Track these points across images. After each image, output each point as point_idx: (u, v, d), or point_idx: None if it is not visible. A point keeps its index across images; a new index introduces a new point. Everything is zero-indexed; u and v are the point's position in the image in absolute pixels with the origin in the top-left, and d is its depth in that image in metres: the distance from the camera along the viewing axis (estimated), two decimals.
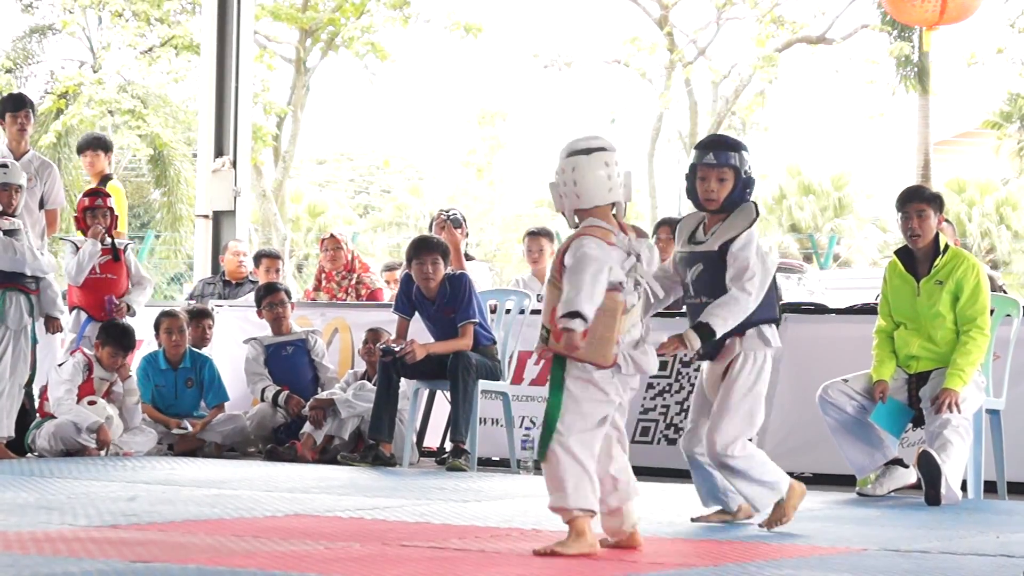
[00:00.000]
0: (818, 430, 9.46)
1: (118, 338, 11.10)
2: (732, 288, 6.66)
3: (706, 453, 6.88)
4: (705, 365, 6.98)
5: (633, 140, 54.51)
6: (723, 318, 6.63)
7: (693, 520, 7.20)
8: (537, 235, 12.65)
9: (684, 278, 6.86)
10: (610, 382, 5.96)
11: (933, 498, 8.27)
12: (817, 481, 9.83)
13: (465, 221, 12.52)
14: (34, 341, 11.01)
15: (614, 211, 6.01)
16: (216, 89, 16.08)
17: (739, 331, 6.72)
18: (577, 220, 5.99)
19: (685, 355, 6.92)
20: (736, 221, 6.77)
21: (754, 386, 6.79)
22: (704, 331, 6.63)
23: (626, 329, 5.95)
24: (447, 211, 12.50)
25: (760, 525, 6.86)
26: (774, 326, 6.86)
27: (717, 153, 6.81)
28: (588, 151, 5.97)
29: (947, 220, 11.10)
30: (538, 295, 11.41)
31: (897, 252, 9.09)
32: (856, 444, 8.78)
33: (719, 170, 6.78)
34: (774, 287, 6.84)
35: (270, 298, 11.88)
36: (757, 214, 6.83)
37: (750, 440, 6.84)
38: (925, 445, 8.60)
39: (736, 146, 6.87)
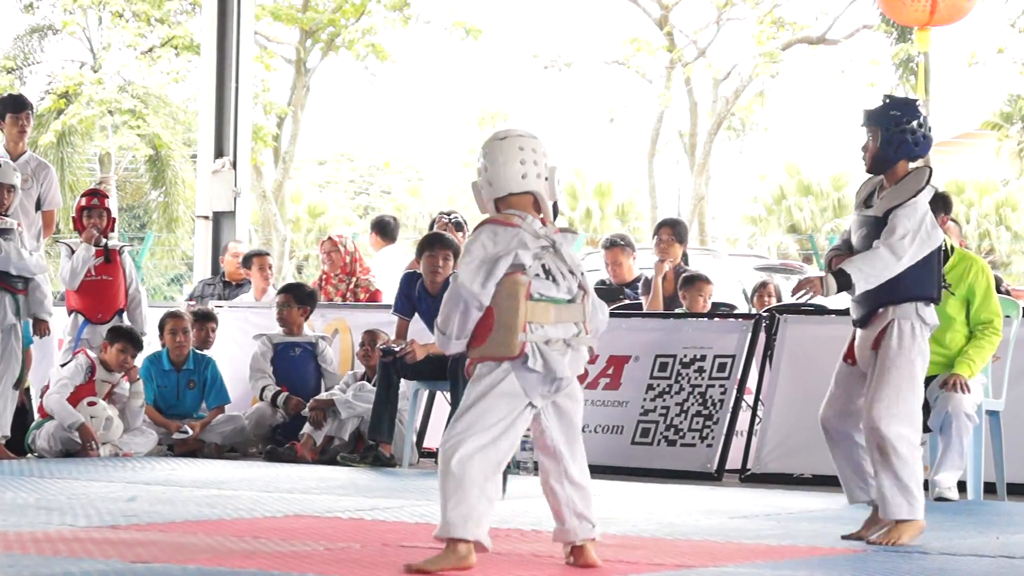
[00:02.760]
0: (818, 430, 9.43)
1: (127, 337, 11.10)
2: (880, 244, 6.50)
3: (863, 427, 6.58)
4: (857, 335, 6.77)
5: (633, 140, 54.57)
6: (862, 270, 6.47)
7: (844, 538, 6.70)
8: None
9: (853, 242, 6.73)
10: (519, 378, 5.43)
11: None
12: (817, 481, 9.83)
13: (467, 224, 12.56)
14: (28, 342, 11.01)
15: (540, 213, 5.54)
16: (216, 89, 16.10)
17: (894, 301, 6.57)
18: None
19: (815, 296, 6.57)
20: (905, 186, 6.62)
21: (909, 355, 6.53)
22: (842, 278, 6.48)
23: (541, 321, 5.43)
24: (448, 214, 12.53)
25: (869, 541, 6.54)
26: (931, 305, 6.65)
27: (867, 112, 6.75)
28: (503, 138, 5.60)
29: (953, 220, 11.10)
30: None
31: None
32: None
33: (868, 128, 6.72)
34: (937, 266, 6.64)
35: (282, 298, 11.90)
36: (928, 182, 6.64)
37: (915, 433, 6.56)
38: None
39: (891, 105, 6.74)
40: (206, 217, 16.14)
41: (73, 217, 11.84)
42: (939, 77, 32.89)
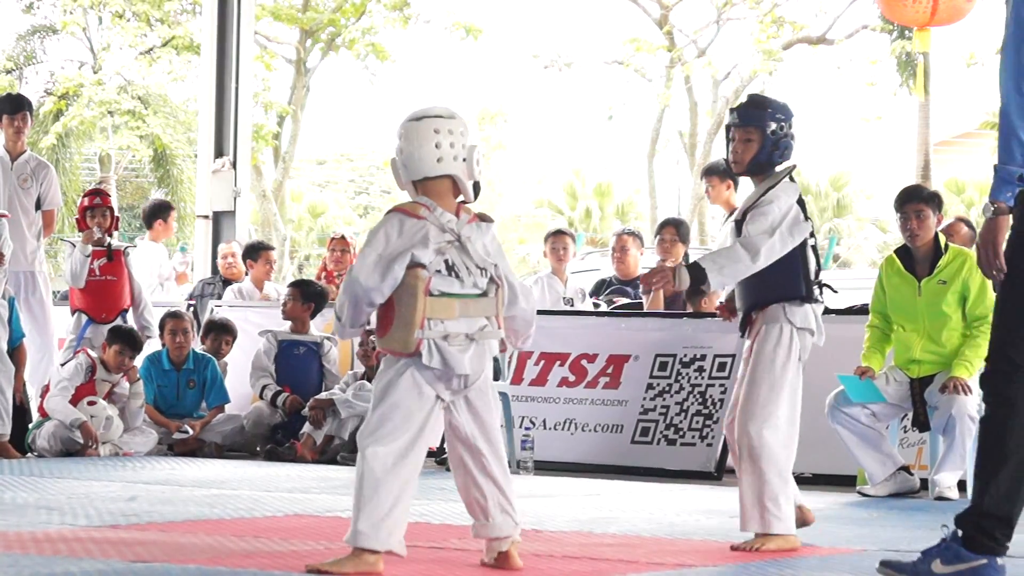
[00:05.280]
0: (818, 430, 9.46)
1: (125, 338, 11.09)
2: (735, 241, 6.21)
3: (736, 433, 6.31)
4: (744, 346, 6.52)
5: (633, 140, 54.55)
6: (716, 262, 6.14)
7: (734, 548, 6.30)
8: (563, 233, 12.95)
9: None
10: (422, 373, 5.33)
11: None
12: (817, 481, 9.83)
13: None
14: (20, 335, 11.00)
15: (460, 198, 5.42)
16: (216, 89, 16.09)
17: (759, 304, 6.31)
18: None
19: (674, 290, 6.24)
20: (764, 184, 6.35)
21: (777, 360, 6.24)
22: (696, 272, 6.13)
23: (442, 316, 5.31)
24: None
25: (732, 547, 6.27)
26: (804, 304, 6.29)
27: (743, 112, 6.41)
28: (419, 118, 5.38)
29: (966, 222, 11.07)
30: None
31: (896, 251, 9.10)
32: (871, 453, 8.84)
33: (743, 130, 6.37)
34: (803, 264, 6.30)
35: (290, 291, 11.90)
36: (789, 178, 6.34)
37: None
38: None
39: (766, 105, 6.42)
40: (206, 217, 16.14)
41: (76, 218, 11.83)
42: (939, 77, 32.86)
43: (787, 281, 6.27)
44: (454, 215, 5.40)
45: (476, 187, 5.49)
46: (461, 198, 5.45)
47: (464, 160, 5.39)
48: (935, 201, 8.98)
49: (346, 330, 5.38)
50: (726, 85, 34.42)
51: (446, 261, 5.35)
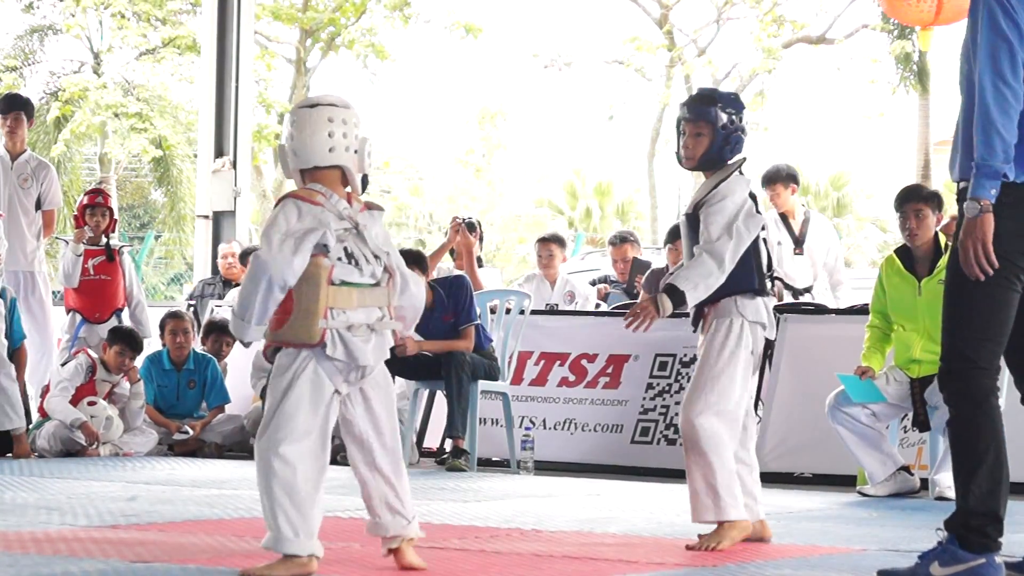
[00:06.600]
0: (818, 430, 9.47)
1: (126, 339, 11.09)
2: (700, 250, 6.14)
3: (681, 424, 6.26)
4: (698, 341, 6.43)
5: (633, 139, 54.54)
6: (691, 280, 6.09)
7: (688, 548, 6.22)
8: (547, 241, 12.92)
9: (683, 247, 6.44)
10: (322, 366, 5.19)
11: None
12: (817, 481, 9.84)
13: (480, 225, 12.62)
14: (21, 336, 11.01)
15: (348, 187, 5.28)
16: (216, 89, 16.11)
17: (713, 300, 6.22)
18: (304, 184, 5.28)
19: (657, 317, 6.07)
20: (714, 178, 6.26)
21: (726, 352, 6.18)
22: (675, 295, 6.09)
23: (343, 306, 5.17)
24: (465, 219, 12.63)
25: (687, 547, 6.20)
26: (756, 297, 6.25)
27: (693, 107, 6.31)
28: (313, 105, 5.22)
29: None
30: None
31: (896, 251, 9.10)
32: (871, 452, 8.84)
33: (694, 124, 6.27)
34: (754, 255, 6.24)
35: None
36: (738, 171, 6.25)
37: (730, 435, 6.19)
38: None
39: (715, 99, 6.28)
40: (206, 217, 16.16)
41: (75, 216, 11.84)
42: (939, 77, 32.84)
43: (739, 274, 6.20)
44: (347, 203, 5.27)
45: (364, 180, 5.39)
46: (348, 189, 5.31)
47: (356, 152, 5.25)
48: (935, 200, 8.98)
49: (251, 328, 5.16)
50: (726, 84, 34.41)
51: (345, 249, 5.22)
